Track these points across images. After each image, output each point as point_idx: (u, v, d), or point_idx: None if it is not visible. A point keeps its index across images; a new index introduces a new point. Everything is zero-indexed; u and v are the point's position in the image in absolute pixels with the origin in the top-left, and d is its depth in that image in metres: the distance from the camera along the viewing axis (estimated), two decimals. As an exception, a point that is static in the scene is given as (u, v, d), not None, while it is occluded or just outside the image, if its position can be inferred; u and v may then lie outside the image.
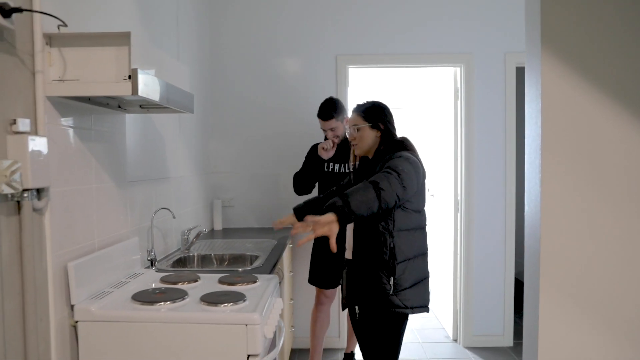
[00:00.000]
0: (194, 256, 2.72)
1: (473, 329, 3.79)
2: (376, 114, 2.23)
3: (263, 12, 3.72)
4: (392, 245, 2.05)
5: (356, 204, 1.86)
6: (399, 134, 2.30)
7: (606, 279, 1.52)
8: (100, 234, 1.90)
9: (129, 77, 1.55)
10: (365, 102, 2.30)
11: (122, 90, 1.53)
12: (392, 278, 2.05)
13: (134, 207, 2.23)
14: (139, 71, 1.53)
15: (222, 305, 1.68)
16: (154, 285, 1.95)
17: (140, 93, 1.53)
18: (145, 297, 1.73)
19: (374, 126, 2.22)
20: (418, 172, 2.10)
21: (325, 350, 3.48)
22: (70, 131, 1.69)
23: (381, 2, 3.71)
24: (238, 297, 1.74)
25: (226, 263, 2.81)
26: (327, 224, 1.82)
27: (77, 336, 1.67)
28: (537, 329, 1.57)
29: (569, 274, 1.53)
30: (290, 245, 3.37)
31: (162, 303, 1.69)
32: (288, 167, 3.62)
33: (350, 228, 2.21)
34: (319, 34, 3.72)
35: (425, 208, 2.23)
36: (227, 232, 3.50)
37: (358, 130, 2.23)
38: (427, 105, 4.69)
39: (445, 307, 4.09)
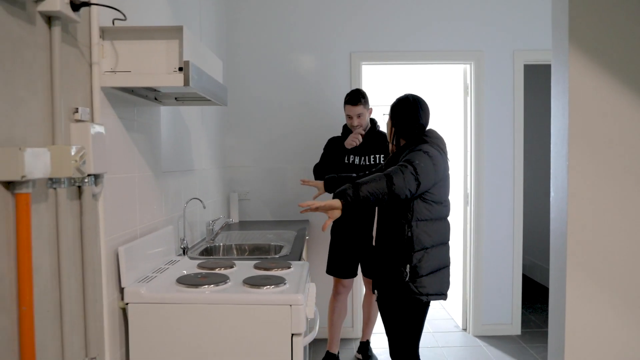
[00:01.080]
0: (219, 246, 2.80)
1: (482, 318, 3.89)
2: (392, 110, 2.39)
3: (278, 10, 3.80)
4: (409, 235, 2.16)
5: (365, 195, 2.03)
6: None
7: (633, 263, 1.62)
8: (141, 221, 1.98)
9: (180, 69, 1.62)
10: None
11: (175, 81, 1.60)
12: (408, 266, 2.16)
13: (167, 197, 2.31)
14: (190, 63, 1.61)
15: (265, 288, 1.76)
16: (193, 270, 2.03)
17: (192, 84, 1.61)
18: (190, 281, 1.81)
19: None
20: (437, 166, 2.18)
21: (340, 340, 3.56)
22: (119, 121, 1.77)
23: (394, 0, 3.80)
24: (279, 281, 1.83)
25: (247, 253, 2.89)
26: (330, 208, 2.04)
27: (126, 318, 1.74)
28: (564, 313, 1.65)
29: (596, 258, 1.63)
30: (307, 237, 3.45)
31: (207, 286, 1.77)
32: (303, 162, 3.71)
33: (376, 217, 2.32)
34: (333, 31, 3.80)
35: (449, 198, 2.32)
36: (244, 225, 3.58)
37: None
38: (437, 101, 4.79)
39: (454, 298, 4.19)
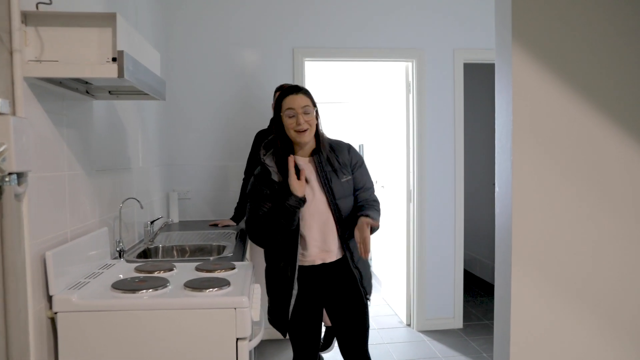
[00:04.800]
0: (158, 248, 2.67)
1: (426, 313, 3.95)
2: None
3: (218, 2, 3.68)
4: None
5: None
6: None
7: (576, 257, 1.66)
8: (72, 223, 1.84)
9: (113, 59, 1.51)
10: (296, 85, 2.20)
11: (108, 72, 1.49)
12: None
13: (102, 197, 2.16)
14: (125, 53, 1.50)
15: (208, 291, 1.68)
16: (130, 274, 1.91)
17: (126, 76, 1.50)
18: (127, 286, 1.70)
19: (317, 115, 2.11)
20: None
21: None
22: (45, 115, 1.63)
23: (337, -4, 3.78)
24: (222, 283, 1.75)
25: (188, 254, 2.77)
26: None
27: (55, 328, 1.61)
28: (510, 307, 1.68)
29: (540, 252, 1.66)
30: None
31: (145, 291, 1.66)
32: (246, 159, 3.61)
33: (332, 232, 2.09)
34: (276, 25, 3.73)
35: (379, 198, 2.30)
36: (184, 225, 3.45)
37: (308, 113, 2.03)
38: (379, 99, 4.82)
39: (398, 294, 4.23)
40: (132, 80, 1.58)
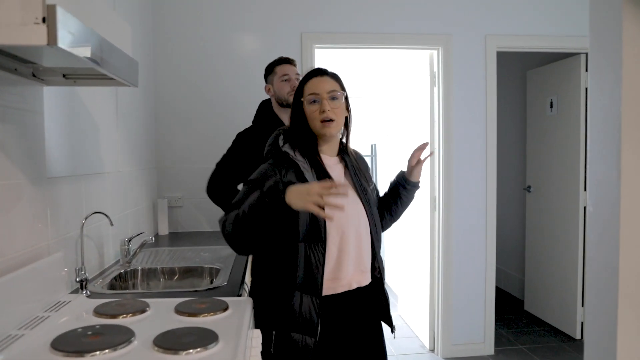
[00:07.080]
0: (137, 271, 2.18)
1: (452, 337, 3.45)
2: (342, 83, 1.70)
3: (216, -20, 3.19)
4: None
5: None
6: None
7: None
8: (6, 251, 1.35)
9: (43, 19, 1.02)
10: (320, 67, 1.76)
11: (32, 37, 1.00)
12: None
13: (57, 211, 1.68)
14: (59, 10, 1.01)
15: (185, 353, 1.18)
16: (85, 319, 1.42)
17: (60, 43, 1.01)
18: (72, 344, 1.21)
19: (347, 103, 1.69)
20: None
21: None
22: (-46, 103, 1.14)
23: (352, -27, 3.28)
24: (207, 338, 1.25)
25: (177, 277, 2.28)
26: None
27: (-34, 408, 1.12)
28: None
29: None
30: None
31: (98, 353, 1.17)
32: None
33: (367, 248, 1.68)
34: (282, 7, 3.24)
35: None
36: (175, 238, 2.96)
37: (335, 99, 1.62)
38: (399, 93, 4.31)
39: (420, 314, 3.73)
40: (75, 52, 1.09)
